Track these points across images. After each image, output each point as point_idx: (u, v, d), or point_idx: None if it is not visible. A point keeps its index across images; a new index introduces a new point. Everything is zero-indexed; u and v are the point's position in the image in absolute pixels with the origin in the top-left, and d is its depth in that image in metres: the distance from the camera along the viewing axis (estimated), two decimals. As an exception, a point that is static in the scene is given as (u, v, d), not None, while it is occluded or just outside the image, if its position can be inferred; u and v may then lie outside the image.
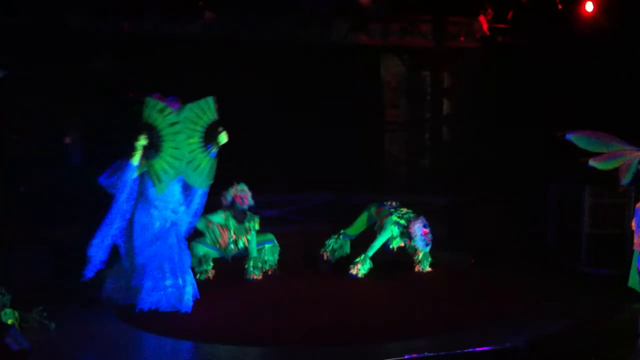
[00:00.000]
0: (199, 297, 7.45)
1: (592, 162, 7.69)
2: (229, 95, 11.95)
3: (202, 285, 7.77)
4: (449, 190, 11.52)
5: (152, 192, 7.34)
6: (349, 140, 11.90)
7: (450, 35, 12.05)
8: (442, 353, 5.83)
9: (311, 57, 11.71)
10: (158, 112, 7.26)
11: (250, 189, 8.83)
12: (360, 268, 8.76)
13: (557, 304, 7.63)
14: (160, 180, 7.29)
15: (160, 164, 7.29)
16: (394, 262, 9.09)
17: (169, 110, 7.30)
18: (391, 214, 8.95)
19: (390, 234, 8.87)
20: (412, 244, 8.82)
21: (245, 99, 12.00)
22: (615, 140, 7.65)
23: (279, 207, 11.08)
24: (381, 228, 8.93)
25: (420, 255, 8.96)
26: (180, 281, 7.25)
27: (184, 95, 11.31)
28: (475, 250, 9.78)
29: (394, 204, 9.15)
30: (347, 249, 9.34)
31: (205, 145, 7.49)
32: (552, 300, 7.74)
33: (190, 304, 7.24)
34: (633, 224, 7.54)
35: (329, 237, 9.46)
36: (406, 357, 5.52)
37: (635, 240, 7.47)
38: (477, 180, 11.51)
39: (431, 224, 9.04)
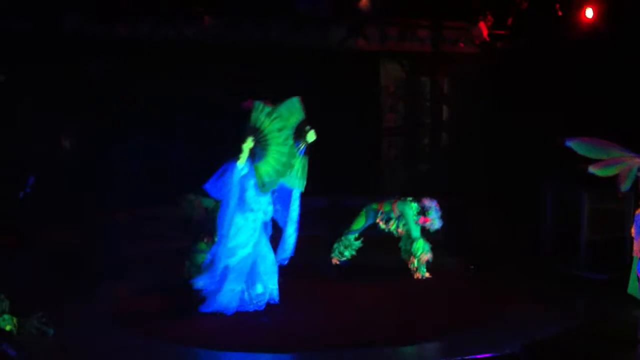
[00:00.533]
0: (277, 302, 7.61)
1: (591, 169, 7.69)
2: (225, 99, 12.10)
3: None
4: (447, 195, 11.51)
5: (250, 194, 7.41)
6: (347, 144, 11.90)
7: (448, 40, 12.09)
8: (441, 360, 5.84)
9: (310, 61, 11.72)
10: (266, 115, 7.35)
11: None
12: (423, 249, 8.81)
13: (555, 308, 7.64)
14: (264, 184, 7.36)
15: (265, 167, 7.38)
16: (390, 267, 9.09)
17: (275, 114, 7.38)
18: (400, 197, 9.05)
19: (411, 210, 8.88)
20: (427, 215, 8.83)
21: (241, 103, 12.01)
22: (614, 146, 7.65)
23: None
24: (400, 212, 8.94)
25: (416, 262, 8.95)
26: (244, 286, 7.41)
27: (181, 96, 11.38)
28: (473, 255, 9.77)
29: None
30: (356, 244, 9.25)
31: (295, 145, 7.57)
32: (550, 305, 7.74)
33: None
34: (633, 230, 7.54)
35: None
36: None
37: (635, 247, 7.47)
38: (476, 185, 11.53)
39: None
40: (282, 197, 7.69)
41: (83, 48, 11.03)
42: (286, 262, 7.72)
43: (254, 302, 7.46)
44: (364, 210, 9.26)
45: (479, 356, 6.04)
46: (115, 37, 11.17)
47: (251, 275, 7.45)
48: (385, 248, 9.21)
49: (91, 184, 10.62)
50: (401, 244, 9.16)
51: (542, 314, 7.44)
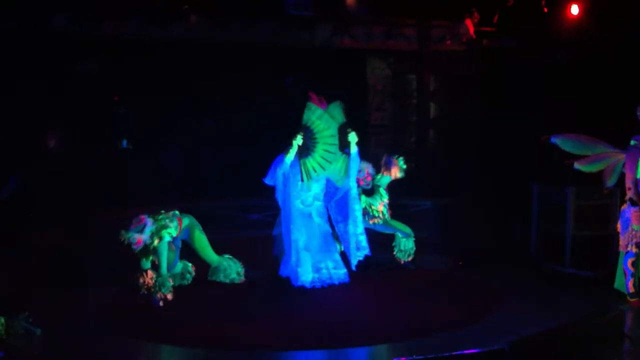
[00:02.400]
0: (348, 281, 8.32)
1: (577, 165, 7.75)
2: (213, 99, 12.11)
3: (189, 291, 8.02)
4: (434, 193, 11.57)
5: (291, 184, 8.09)
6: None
7: (435, 38, 12.12)
8: (430, 356, 5.83)
9: (296, 60, 11.72)
10: (317, 117, 8.10)
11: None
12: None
13: (542, 305, 7.67)
14: (309, 177, 8.14)
15: (311, 162, 8.15)
16: (378, 264, 9.09)
17: (326, 116, 8.12)
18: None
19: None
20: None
21: (229, 103, 12.02)
22: (599, 143, 7.71)
23: (260, 211, 11.11)
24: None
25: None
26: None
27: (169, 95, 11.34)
28: (460, 252, 9.80)
29: None
30: None
31: (339, 147, 8.25)
32: (537, 302, 7.78)
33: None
34: (618, 225, 7.59)
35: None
36: (394, 360, 5.54)
37: (621, 242, 7.52)
38: (462, 183, 11.58)
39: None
40: (341, 201, 8.40)
41: (68, 47, 10.99)
42: (358, 260, 8.40)
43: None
44: None
45: (466, 352, 6.05)
46: (103, 36, 11.13)
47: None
48: (375, 246, 9.20)
49: (81, 184, 10.58)
50: (394, 243, 9.19)
51: (529, 311, 7.45)
